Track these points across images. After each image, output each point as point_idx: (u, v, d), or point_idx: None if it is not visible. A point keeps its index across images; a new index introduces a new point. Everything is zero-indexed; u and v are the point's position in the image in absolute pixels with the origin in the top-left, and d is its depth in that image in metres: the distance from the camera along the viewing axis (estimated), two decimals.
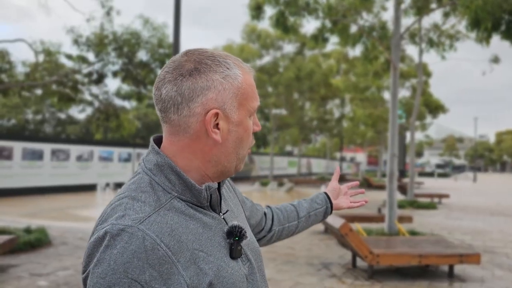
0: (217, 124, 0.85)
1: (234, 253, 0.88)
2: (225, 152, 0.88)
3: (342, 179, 33.36)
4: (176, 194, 0.85)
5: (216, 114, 0.85)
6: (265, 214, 1.29)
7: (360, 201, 1.38)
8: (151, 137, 0.94)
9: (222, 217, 0.92)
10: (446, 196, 17.11)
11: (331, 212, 1.39)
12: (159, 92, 0.86)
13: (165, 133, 0.90)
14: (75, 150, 18.09)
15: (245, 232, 0.90)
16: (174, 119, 0.85)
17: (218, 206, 0.92)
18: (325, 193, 1.40)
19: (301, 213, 1.34)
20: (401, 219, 9.28)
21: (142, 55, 11.39)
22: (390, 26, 9.69)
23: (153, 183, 0.85)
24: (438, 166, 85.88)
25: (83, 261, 0.80)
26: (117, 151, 20.25)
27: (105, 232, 0.76)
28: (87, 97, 13.85)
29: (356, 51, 36.73)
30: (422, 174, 56.79)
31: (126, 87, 14.52)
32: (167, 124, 0.87)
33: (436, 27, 12.91)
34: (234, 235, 0.88)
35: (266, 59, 26.64)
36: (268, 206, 1.34)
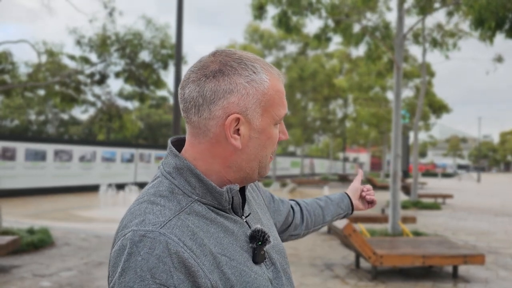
0: (238, 129, 0.83)
1: (257, 257, 0.86)
2: (246, 158, 0.85)
3: (345, 179, 33.32)
4: (196, 198, 0.83)
5: (237, 119, 0.82)
6: (293, 210, 1.27)
7: (374, 203, 1.43)
8: (169, 140, 0.92)
9: (245, 220, 0.90)
10: (450, 196, 16.99)
11: (351, 214, 1.41)
12: (182, 91, 0.85)
13: (187, 135, 0.88)
14: (77, 150, 18.12)
15: (269, 236, 0.88)
16: (195, 120, 0.84)
17: (240, 209, 0.90)
18: (347, 194, 1.40)
19: (327, 217, 1.35)
20: (405, 220, 9.25)
21: (145, 55, 11.39)
22: (393, 25, 9.65)
23: (173, 187, 0.83)
24: (460, 167, 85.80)
25: (108, 271, 0.78)
26: (120, 152, 20.27)
27: (127, 240, 0.74)
28: (90, 97, 13.90)
29: (359, 51, 36.75)
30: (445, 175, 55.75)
31: (128, 88, 14.56)
32: (188, 125, 0.86)
33: (439, 26, 12.86)
34: (257, 240, 0.86)
35: (269, 59, 26.66)
36: (298, 203, 1.31)
